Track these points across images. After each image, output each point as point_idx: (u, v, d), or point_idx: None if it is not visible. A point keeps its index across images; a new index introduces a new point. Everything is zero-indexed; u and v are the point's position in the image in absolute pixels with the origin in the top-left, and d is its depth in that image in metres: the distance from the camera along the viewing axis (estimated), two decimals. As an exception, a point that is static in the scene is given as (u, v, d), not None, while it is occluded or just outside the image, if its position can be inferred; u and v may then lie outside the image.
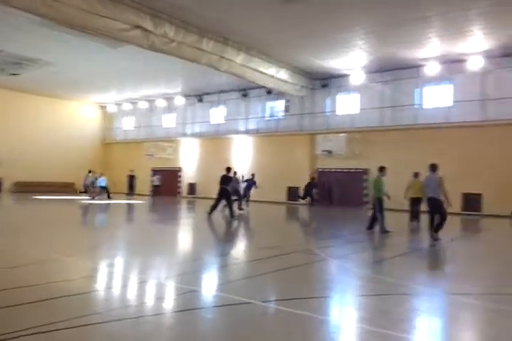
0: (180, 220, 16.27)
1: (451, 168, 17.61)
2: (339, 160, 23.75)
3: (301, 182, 24.83)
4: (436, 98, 21.81)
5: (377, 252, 9.39)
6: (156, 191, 30.80)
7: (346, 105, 24.52)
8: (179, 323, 4.31)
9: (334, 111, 24.74)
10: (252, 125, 27.73)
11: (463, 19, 15.89)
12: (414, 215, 15.24)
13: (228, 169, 15.58)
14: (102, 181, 25.80)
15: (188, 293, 5.26)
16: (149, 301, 5.01)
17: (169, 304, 4.93)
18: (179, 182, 30.92)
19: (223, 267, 7.14)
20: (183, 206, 23.61)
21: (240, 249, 9.58)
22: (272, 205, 24.10)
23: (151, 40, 15.35)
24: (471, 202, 19.72)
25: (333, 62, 21.78)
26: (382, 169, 12.20)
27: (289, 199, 25.37)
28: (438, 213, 10.52)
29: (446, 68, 20.80)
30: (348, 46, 19.23)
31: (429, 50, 19.41)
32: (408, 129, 21.68)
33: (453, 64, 20.52)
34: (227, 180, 15.23)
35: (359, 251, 9.15)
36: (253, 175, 22.20)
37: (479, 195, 19.66)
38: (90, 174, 27.03)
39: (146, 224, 14.11)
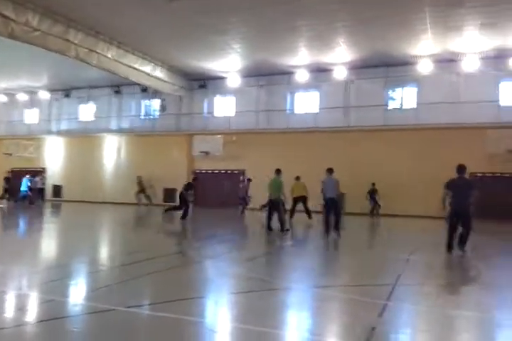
0: (44, 225, 14.96)
1: (322, 169, 18.72)
2: (216, 162, 23.95)
3: (179, 184, 24.52)
4: (306, 104, 23.22)
5: (250, 251, 9.61)
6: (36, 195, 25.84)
7: (223, 107, 24.87)
8: (38, 334, 3.97)
9: (212, 113, 24.92)
10: (125, 123, 26.64)
11: (329, 32, 17.13)
12: (307, 212, 16.21)
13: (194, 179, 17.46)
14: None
15: (50, 303, 4.83)
16: (8, 312, 4.56)
17: (29, 315, 4.51)
18: (43, 184, 28.36)
19: (89, 274, 6.69)
20: (48, 210, 21.78)
21: (109, 254, 9.09)
22: (150, 208, 23.42)
23: (11, 27, 13.90)
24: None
25: (211, 64, 21.92)
26: (278, 171, 12.83)
27: (165, 202, 24.86)
28: (334, 211, 11.64)
29: (314, 76, 22.23)
30: (225, 49, 19.50)
31: (299, 58, 20.56)
32: (281, 133, 22.69)
33: (320, 73, 22.00)
34: (189, 187, 16.06)
35: (232, 251, 9.29)
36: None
37: (343, 194, 21.25)
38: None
39: (3, 231, 12.68)
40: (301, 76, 22.23)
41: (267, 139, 22.89)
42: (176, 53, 20.22)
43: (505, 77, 19.88)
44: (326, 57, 20.39)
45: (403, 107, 21.75)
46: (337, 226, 11.57)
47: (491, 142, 18.71)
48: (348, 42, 18.30)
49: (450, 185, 8.87)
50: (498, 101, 19.70)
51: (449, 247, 8.77)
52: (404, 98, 21.91)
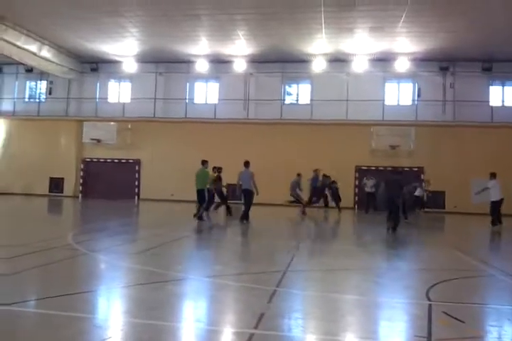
0: None
1: (222, 159, 18.77)
2: (109, 150, 22.86)
3: (67, 173, 23.08)
4: (206, 94, 23.07)
5: (143, 243, 9.32)
6: None
7: (118, 93, 23.76)
8: None
9: (105, 98, 23.66)
10: (7, 106, 24.24)
11: (229, 23, 17.13)
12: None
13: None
14: None
15: None
16: None
17: None
18: None
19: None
20: None
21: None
22: (34, 198, 21.65)
23: None
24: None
25: (105, 47, 20.76)
26: (204, 162, 13.01)
27: (50, 191, 23.18)
28: (248, 202, 12.42)
29: (214, 67, 22.14)
30: (120, 32, 18.58)
31: (200, 47, 20.33)
32: (180, 122, 22.27)
33: (220, 64, 21.96)
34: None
35: (122, 243, 8.93)
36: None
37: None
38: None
39: None
40: (201, 66, 22.01)
41: (164, 128, 22.35)
42: (66, 33, 18.78)
43: (389, 79, 21.59)
44: (226, 49, 20.41)
45: (299, 102, 22.60)
46: (244, 216, 12.28)
47: (375, 138, 20.31)
48: (247, 35, 18.48)
49: (386, 183, 12.07)
50: (383, 100, 21.34)
51: (389, 228, 11.46)
52: (299, 94, 22.78)
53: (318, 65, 21.10)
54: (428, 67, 20.86)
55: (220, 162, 19.63)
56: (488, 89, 21.09)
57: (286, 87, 22.80)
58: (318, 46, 19.53)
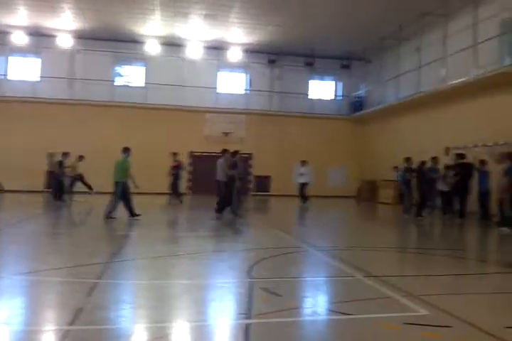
0: None
1: (47, 145, 17.02)
2: None
3: None
4: (24, 70, 20.60)
5: None
6: None
7: None
8: None
9: None
10: None
11: (50, -7, 15.52)
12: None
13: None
14: None
15: None
16: None
17: None
18: None
19: None
20: None
21: None
22: None
23: None
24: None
25: None
26: (126, 149, 10.57)
27: None
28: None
29: (35, 41, 19.87)
30: None
31: (17, 18, 18.04)
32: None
33: (42, 38, 19.82)
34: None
35: None
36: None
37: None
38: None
39: None
40: (19, 38, 19.56)
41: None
42: None
43: (223, 67, 22.17)
44: (49, 22, 18.54)
45: (131, 85, 21.74)
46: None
47: (209, 125, 20.72)
48: (74, 8, 17.04)
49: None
50: (216, 88, 21.83)
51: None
52: (132, 76, 21.90)
53: (153, 48, 20.55)
54: (258, 59, 21.97)
55: (43, 146, 17.89)
56: (309, 83, 23.17)
57: (118, 67, 21.69)
58: (153, 28, 18.99)
